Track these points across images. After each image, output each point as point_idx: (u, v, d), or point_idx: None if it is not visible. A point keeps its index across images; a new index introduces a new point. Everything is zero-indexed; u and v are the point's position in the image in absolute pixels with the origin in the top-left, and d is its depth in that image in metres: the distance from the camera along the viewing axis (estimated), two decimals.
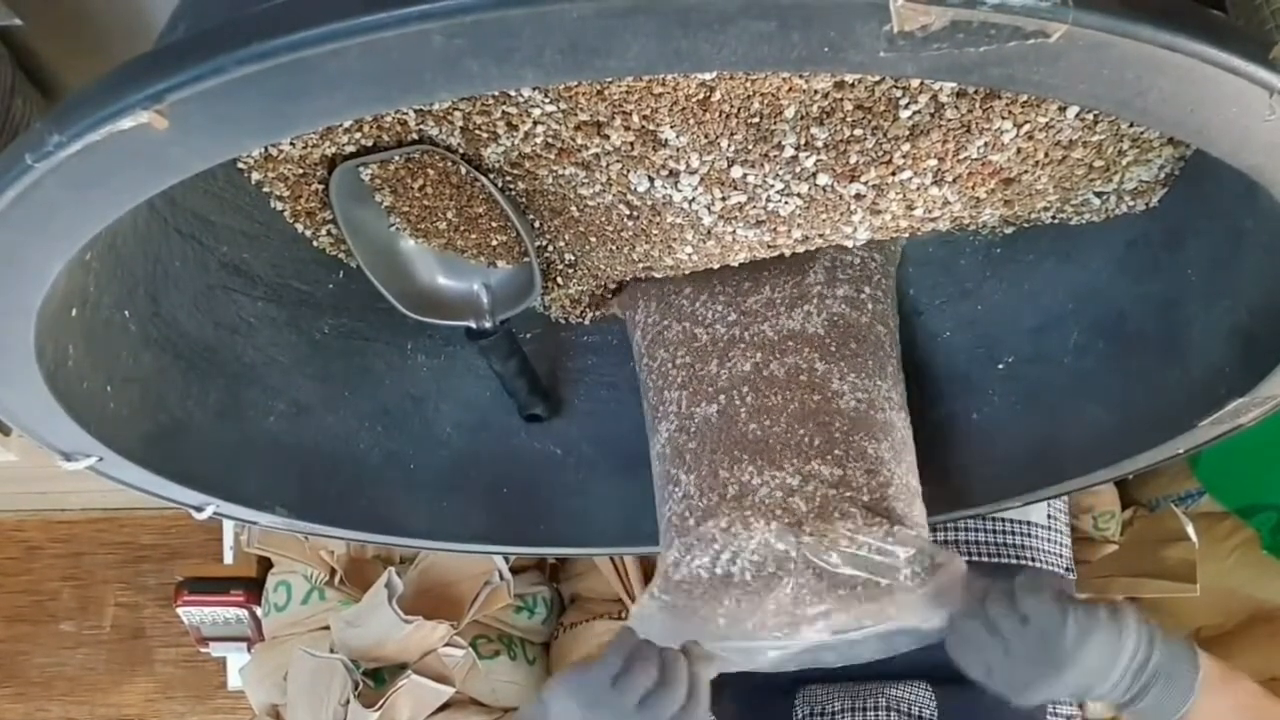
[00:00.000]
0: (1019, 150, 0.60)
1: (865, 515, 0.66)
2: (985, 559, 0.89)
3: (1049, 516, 0.92)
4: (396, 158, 0.69)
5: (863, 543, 0.66)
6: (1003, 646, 0.61)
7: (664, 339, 0.79)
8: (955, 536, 0.90)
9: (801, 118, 0.56)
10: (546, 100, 0.58)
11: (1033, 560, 0.90)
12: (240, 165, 0.70)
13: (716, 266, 0.73)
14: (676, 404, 0.76)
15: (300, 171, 0.71)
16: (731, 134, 0.57)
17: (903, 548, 0.66)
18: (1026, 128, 0.58)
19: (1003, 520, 0.90)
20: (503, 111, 0.61)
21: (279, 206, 0.74)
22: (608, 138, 0.59)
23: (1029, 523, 0.91)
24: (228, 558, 1.76)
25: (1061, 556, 0.93)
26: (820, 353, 0.73)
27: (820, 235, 0.67)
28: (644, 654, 0.62)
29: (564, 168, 0.64)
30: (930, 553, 0.67)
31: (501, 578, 1.39)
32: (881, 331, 0.75)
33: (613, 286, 0.85)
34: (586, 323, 0.91)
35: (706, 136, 0.57)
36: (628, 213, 0.67)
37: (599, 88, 0.56)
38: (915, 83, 0.54)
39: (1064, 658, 0.60)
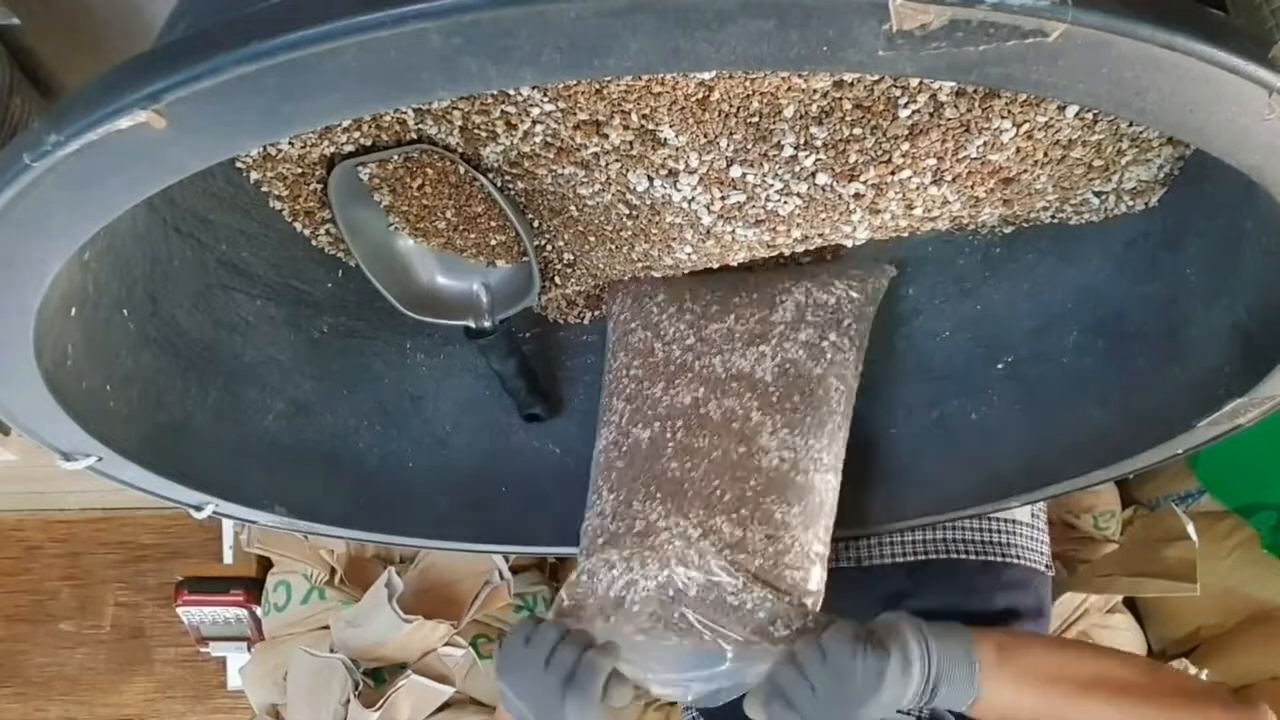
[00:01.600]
0: (1018, 150, 0.60)
1: (750, 581, 0.69)
2: (973, 556, 0.90)
3: (1032, 515, 0.94)
4: (395, 157, 0.69)
5: (742, 606, 0.68)
6: (809, 688, 0.64)
7: (627, 342, 0.80)
8: (945, 534, 0.90)
9: (800, 117, 0.56)
10: (545, 99, 0.58)
11: (1017, 558, 0.91)
12: (239, 164, 0.70)
13: (716, 266, 0.73)
14: (619, 415, 0.78)
15: (299, 171, 0.71)
16: (730, 133, 0.57)
17: (769, 613, 0.68)
18: (1025, 127, 0.58)
19: (990, 519, 0.91)
20: (501, 111, 0.61)
21: (278, 206, 0.74)
22: (606, 137, 0.59)
23: (1014, 520, 0.92)
24: (227, 557, 1.76)
25: (1043, 554, 0.94)
26: (760, 401, 0.74)
27: (820, 234, 0.67)
28: (568, 636, 0.69)
29: (563, 167, 0.64)
30: (803, 621, 0.68)
31: (501, 577, 1.39)
32: (832, 385, 0.76)
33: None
34: (585, 322, 0.91)
35: (705, 136, 0.57)
36: (627, 212, 0.67)
37: (598, 87, 0.56)
38: (914, 82, 0.54)
39: (859, 697, 0.64)
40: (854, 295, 0.78)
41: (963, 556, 0.90)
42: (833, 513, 0.74)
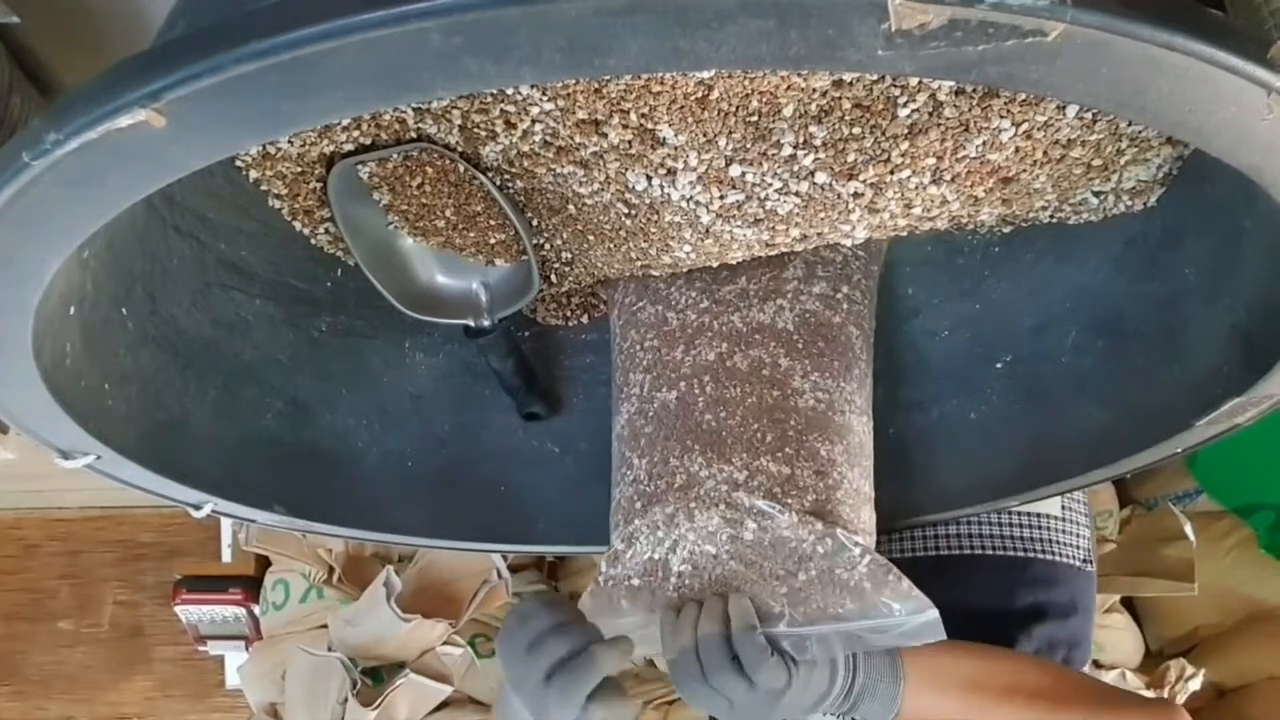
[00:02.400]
0: (1017, 149, 0.60)
1: (806, 517, 0.66)
2: (992, 552, 0.88)
3: (1063, 508, 0.91)
4: (395, 156, 0.69)
5: (802, 546, 0.66)
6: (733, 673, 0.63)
7: (636, 320, 0.79)
8: (967, 530, 0.89)
9: (800, 116, 0.56)
10: (545, 99, 0.58)
11: (1044, 553, 0.89)
12: (238, 163, 0.70)
13: (715, 265, 0.73)
14: (639, 386, 0.76)
15: (298, 169, 0.71)
16: (730, 132, 0.57)
17: (827, 552, 0.65)
18: (1025, 126, 0.58)
19: (1015, 514, 0.89)
20: (501, 110, 0.61)
21: (277, 204, 0.74)
22: (606, 136, 0.59)
23: (1042, 515, 0.89)
24: (226, 556, 1.76)
25: (1079, 549, 0.91)
26: (786, 348, 0.72)
27: (818, 234, 0.67)
28: (560, 625, 0.64)
29: (562, 166, 0.64)
30: (871, 565, 0.66)
31: (500, 576, 1.40)
32: (853, 333, 0.75)
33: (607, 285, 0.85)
34: (585, 322, 0.91)
35: (705, 135, 0.57)
36: (626, 211, 0.67)
37: (597, 86, 0.56)
38: (913, 81, 0.54)
39: (774, 699, 0.63)
40: (859, 252, 0.77)
41: (982, 552, 0.88)
42: (871, 455, 0.73)
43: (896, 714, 0.67)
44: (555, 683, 0.61)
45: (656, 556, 0.69)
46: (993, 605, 0.86)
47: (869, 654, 0.66)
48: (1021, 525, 0.89)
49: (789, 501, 0.66)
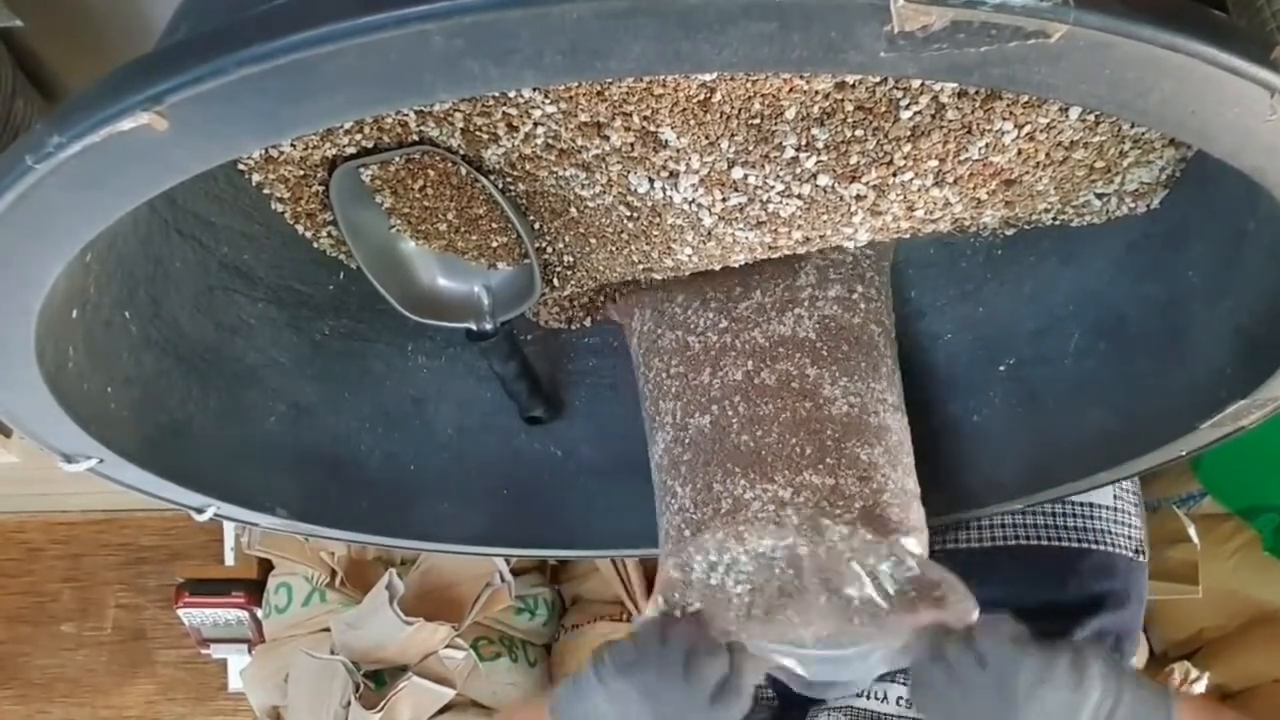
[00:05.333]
0: (1020, 151, 0.60)
1: (856, 526, 0.65)
2: (1048, 542, 0.87)
3: (1114, 497, 0.89)
4: (397, 159, 0.69)
5: (856, 556, 0.65)
6: (961, 690, 0.60)
7: (658, 348, 0.79)
8: (1018, 520, 0.88)
9: (802, 119, 0.56)
10: (547, 101, 0.58)
11: (1097, 543, 0.87)
12: (241, 167, 0.70)
13: (717, 268, 0.73)
14: (671, 414, 0.76)
15: (301, 173, 0.71)
16: (732, 135, 0.57)
17: (894, 564, 0.65)
18: (1028, 129, 0.58)
19: (1066, 503, 0.88)
20: (503, 113, 0.61)
21: (279, 208, 0.74)
22: (608, 139, 0.59)
23: (1092, 504, 0.88)
24: (228, 559, 1.76)
25: (1131, 539, 0.89)
26: (812, 357, 0.72)
27: (821, 236, 0.67)
28: (705, 643, 0.63)
29: (564, 169, 0.64)
30: (924, 571, 0.65)
31: (502, 579, 1.40)
32: (875, 331, 0.75)
33: (609, 290, 0.85)
34: (587, 325, 0.91)
35: (707, 137, 0.57)
36: (628, 214, 0.67)
37: (599, 89, 0.56)
38: (916, 83, 0.54)
39: (1017, 705, 0.59)
40: (868, 251, 0.77)
41: (1038, 543, 0.87)
42: (911, 451, 0.73)
43: None
44: (721, 702, 0.62)
45: (714, 582, 0.68)
46: (1050, 596, 0.85)
47: (1137, 690, 0.60)
48: (1073, 515, 0.88)
49: (837, 512, 0.66)
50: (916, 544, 0.67)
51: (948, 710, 0.62)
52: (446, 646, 1.34)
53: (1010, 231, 0.77)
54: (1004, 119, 0.56)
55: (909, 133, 0.57)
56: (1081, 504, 0.88)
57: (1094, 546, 0.87)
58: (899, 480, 0.70)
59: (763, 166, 0.60)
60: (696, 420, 0.73)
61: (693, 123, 0.56)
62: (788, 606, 0.65)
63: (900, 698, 0.81)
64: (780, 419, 0.70)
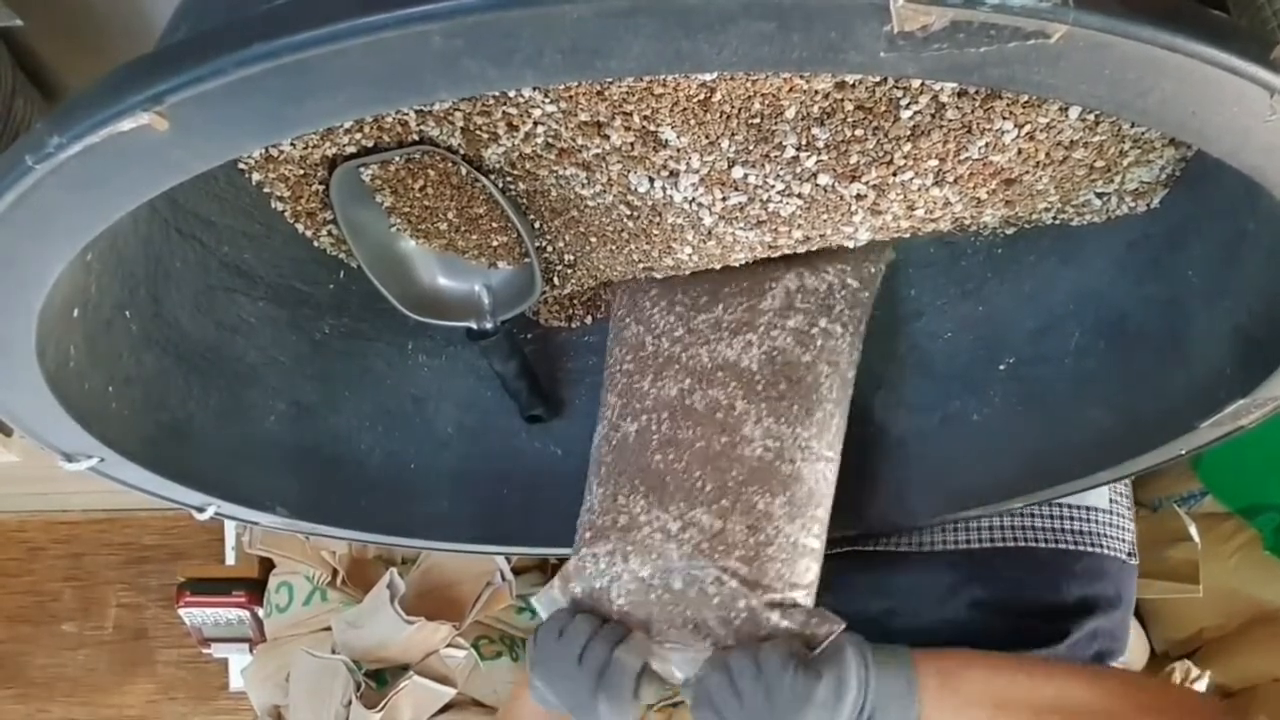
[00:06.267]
0: (1020, 151, 0.60)
1: (725, 576, 0.67)
2: (1043, 544, 0.87)
3: (1110, 501, 0.90)
4: (397, 158, 0.69)
5: (721, 602, 0.67)
6: (738, 701, 0.63)
7: (622, 338, 0.80)
8: (1014, 521, 0.88)
9: (802, 118, 0.56)
10: (547, 101, 0.58)
11: (1092, 546, 0.88)
12: (241, 166, 0.70)
13: (718, 267, 0.73)
14: (610, 410, 0.77)
15: (301, 172, 0.71)
16: (732, 134, 0.57)
17: (748, 609, 0.67)
18: (1028, 128, 0.58)
19: (1062, 506, 0.88)
20: (503, 112, 0.61)
21: (280, 207, 0.74)
22: (608, 138, 0.59)
23: (1089, 508, 0.89)
24: (229, 559, 1.77)
25: (1124, 542, 0.90)
26: (745, 390, 0.73)
27: (821, 235, 0.67)
28: (599, 634, 0.69)
29: (564, 168, 0.64)
30: (792, 624, 0.67)
31: (503, 578, 1.40)
32: (822, 372, 0.74)
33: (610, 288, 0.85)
34: (588, 323, 0.91)
35: (707, 137, 0.57)
36: (628, 213, 0.67)
37: (599, 88, 0.56)
38: (916, 83, 0.54)
39: (784, 716, 0.62)
40: (849, 281, 0.76)
41: (1032, 544, 0.87)
42: (827, 503, 0.73)
43: None
44: (606, 679, 0.67)
45: (598, 586, 0.72)
46: (1044, 598, 0.85)
47: (880, 669, 0.64)
48: (1070, 518, 0.88)
49: (715, 557, 0.68)
50: (804, 596, 0.69)
51: (724, 717, 0.65)
52: (447, 645, 1.34)
53: (1010, 230, 0.77)
54: (1004, 118, 0.56)
55: (909, 132, 0.57)
56: (1079, 507, 0.89)
57: (1090, 549, 0.88)
58: (792, 534, 0.69)
59: (763, 166, 0.60)
60: (626, 425, 0.75)
61: (693, 122, 0.56)
62: (661, 626, 0.69)
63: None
64: (694, 447, 0.72)
